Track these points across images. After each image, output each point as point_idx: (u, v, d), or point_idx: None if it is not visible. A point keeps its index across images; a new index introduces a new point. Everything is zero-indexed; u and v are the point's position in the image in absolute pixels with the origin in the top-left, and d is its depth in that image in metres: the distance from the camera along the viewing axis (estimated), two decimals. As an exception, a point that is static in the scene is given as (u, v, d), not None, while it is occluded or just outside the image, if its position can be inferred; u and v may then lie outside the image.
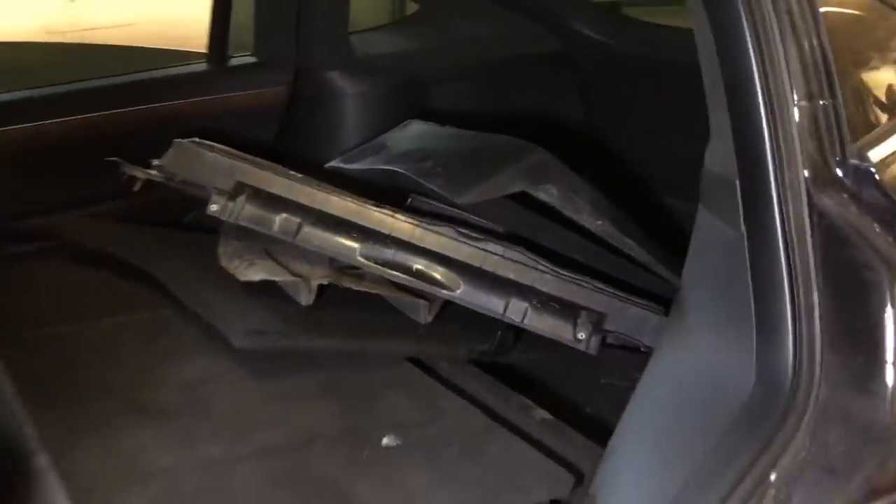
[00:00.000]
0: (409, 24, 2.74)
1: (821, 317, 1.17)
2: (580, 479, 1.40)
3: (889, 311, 1.17)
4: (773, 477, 1.13)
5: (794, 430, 1.16)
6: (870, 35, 1.48)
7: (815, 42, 1.19)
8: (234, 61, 2.43)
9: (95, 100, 2.15)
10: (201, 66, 2.39)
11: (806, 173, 1.16)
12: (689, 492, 1.16)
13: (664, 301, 1.83)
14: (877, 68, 1.45)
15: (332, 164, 2.08)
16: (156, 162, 1.91)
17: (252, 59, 2.43)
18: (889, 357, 1.17)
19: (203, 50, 2.42)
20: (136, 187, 1.96)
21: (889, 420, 1.16)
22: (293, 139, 2.38)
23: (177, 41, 3.21)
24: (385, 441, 1.47)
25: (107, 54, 2.83)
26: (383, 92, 2.41)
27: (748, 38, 1.17)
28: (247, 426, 1.49)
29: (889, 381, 1.16)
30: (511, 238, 1.87)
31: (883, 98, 1.38)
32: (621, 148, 2.69)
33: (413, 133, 2.14)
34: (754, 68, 1.16)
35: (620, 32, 2.76)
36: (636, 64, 2.67)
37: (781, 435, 1.15)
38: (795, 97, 1.16)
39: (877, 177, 1.20)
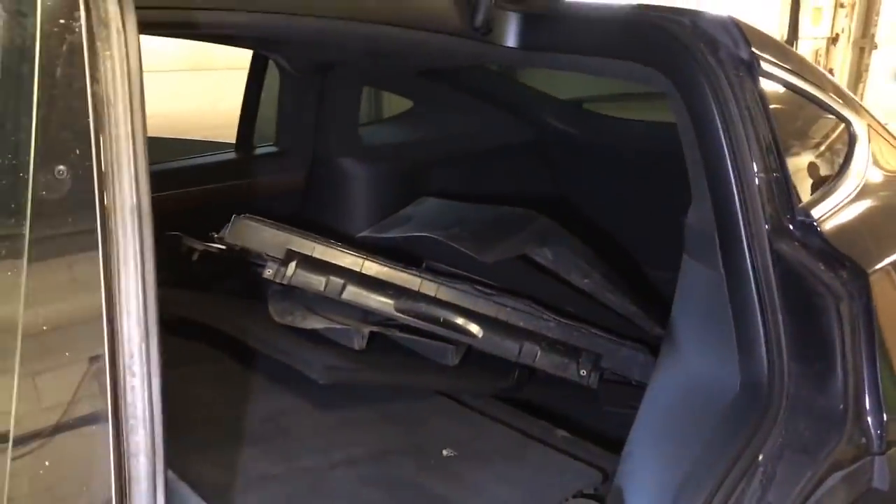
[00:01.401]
0: (406, 118, 3.11)
1: (785, 335, 1.47)
2: (606, 476, 1.70)
3: (836, 328, 1.49)
4: (760, 458, 1.41)
5: (773, 422, 1.44)
6: (793, 124, 1.85)
7: (766, 130, 1.56)
8: (259, 150, 2.73)
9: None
10: (230, 155, 2.69)
11: (767, 227, 1.49)
12: (695, 474, 1.42)
13: (646, 343, 2.18)
14: (803, 150, 1.82)
15: (364, 234, 2.36)
16: (216, 234, 2.15)
17: (274, 149, 2.74)
18: (838, 363, 1.49)
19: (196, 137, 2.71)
20: (195, 257, 2.20)
21: (842, 410, 1.48)
22: (311, 216, 2.65)
23: (179, 131, 3.55)
24: (445, 452, 1.76)
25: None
26: (387, 176, 2.73)
27: (719, 127, 1.52)
28: (330, 444, 1.74)
29: (839, 381, 1.49)
30: (515, 293, 2.16)
31: (815, 170, 1.77)
32: (587, 221, 3.01)
33: (430, 207, 2.44)
34: (725, 149, 1.51)
35: (582, 124, 3.15)
36: (595, 149, 3.07)
37: (764, 426, 1.44)
38: (755, 170, 1.50)
39: (818, 228, 1.56)
